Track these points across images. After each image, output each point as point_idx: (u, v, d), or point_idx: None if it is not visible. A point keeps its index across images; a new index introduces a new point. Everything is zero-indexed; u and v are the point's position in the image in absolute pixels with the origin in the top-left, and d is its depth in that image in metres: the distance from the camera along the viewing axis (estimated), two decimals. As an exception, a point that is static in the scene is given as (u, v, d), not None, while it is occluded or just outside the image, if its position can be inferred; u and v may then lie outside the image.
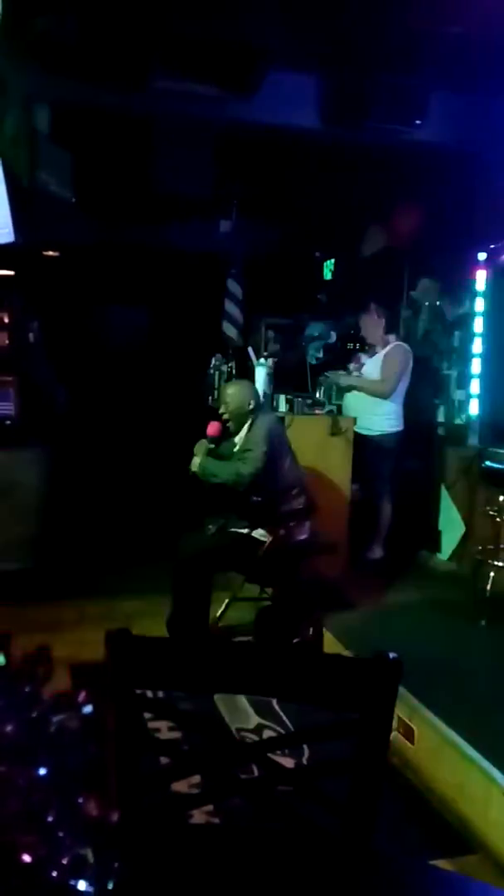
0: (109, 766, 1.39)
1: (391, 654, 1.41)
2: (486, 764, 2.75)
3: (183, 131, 5.45)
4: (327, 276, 7.97)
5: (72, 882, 0.98)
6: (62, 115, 5.40)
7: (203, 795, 1.97)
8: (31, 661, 1.19)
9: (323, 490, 4.68)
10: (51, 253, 6.98)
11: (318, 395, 5.42)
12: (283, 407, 5.20)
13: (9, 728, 1.06)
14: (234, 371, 5.85)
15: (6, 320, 5.00)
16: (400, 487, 5.56)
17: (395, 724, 2.99)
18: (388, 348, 5.49)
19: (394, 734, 3.03)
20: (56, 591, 4.67)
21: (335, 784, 1.43)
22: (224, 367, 5.93)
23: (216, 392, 5.53)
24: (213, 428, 4.27)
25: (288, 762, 2.76)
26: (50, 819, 1.03)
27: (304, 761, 2.82)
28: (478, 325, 5.65)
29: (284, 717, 3.38)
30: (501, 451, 4.97)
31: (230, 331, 7.08)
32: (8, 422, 4.98)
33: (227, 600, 4.24)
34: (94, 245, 6.75)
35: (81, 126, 5.54)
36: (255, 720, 3.38)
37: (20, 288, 5.31)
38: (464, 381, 5.80)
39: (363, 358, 5.67)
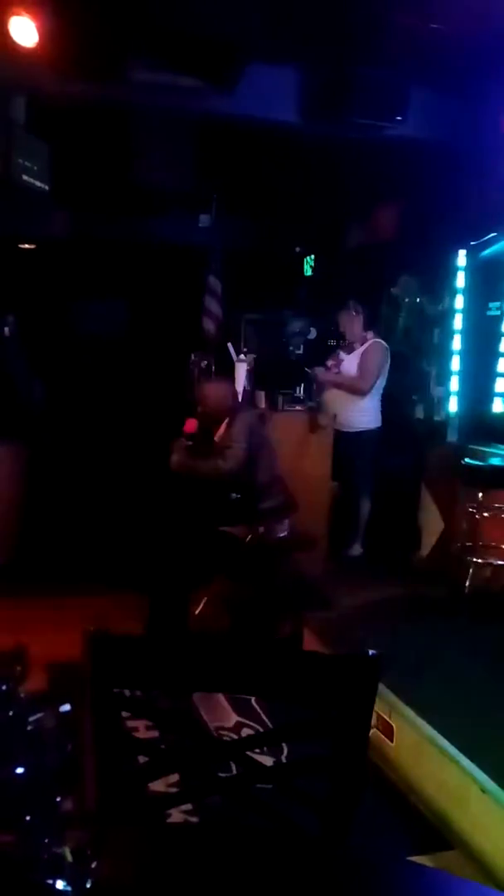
0: (87, 766, 1.37)
1: (370, 652, 1.41)
2: (464, 761, 2.76)
3: (162, 124, 5.41)
4: (307, 272, 7.96)
5: (49, 881, 0.97)
6: (39, 105, 5.34)
7: (181, 794, 1.95)
8: (7, 659, 1.17)
9: (302, 487, 4.67)
10: (26, 245, 6.90)
11: (297, 391, 5.40)
12: (262, 403, 5.18)
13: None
14: (213, 367, 5.82)
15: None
16: (379, 484, 5.56)
17: (374, 721, 2.99)
18: (366, 345, 5.50)
19: (373, 731, 3.03)
20: (33, 588, 4.62)
21: (315, 781, 1.42)
22: (203, 363, 5.90)
23: (195, 388, 5.49)
24: (190, 425, 4.24)
25: (267, 760, 2.75)
26: (27, 818, 1.01)
27: (284, 759, 2.81)
28: (457, 322, 5.67)
29: (263, 715, 3.37)
30: (480, 448, 4.99)
31: (209, 326, 7.03)
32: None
33: (205, 598, 4.22)
34: (71, 238, 6.69)
35: (59, 117, 5.48)
36: (234, 718, 3.36)
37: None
38: (443, 378, 5.81)
39: (342, 354, 5.67)
